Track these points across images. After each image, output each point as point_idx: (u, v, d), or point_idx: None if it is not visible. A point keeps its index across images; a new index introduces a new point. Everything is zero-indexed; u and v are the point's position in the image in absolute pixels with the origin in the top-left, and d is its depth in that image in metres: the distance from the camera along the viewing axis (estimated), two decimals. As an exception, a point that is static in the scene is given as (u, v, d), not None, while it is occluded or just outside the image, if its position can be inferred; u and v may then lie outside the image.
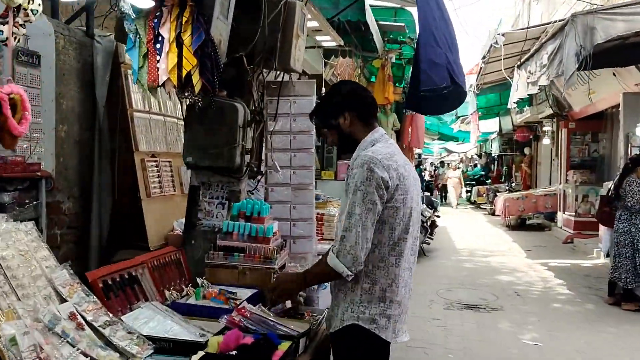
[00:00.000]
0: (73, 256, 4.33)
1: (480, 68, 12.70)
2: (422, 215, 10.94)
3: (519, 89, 9.48)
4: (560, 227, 14.23)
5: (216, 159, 3.32)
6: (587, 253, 11.41)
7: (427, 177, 31.98)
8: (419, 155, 31.31)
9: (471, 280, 8.98)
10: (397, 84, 14.88)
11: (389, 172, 2.54)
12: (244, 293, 3.01)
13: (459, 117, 21.17)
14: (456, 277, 9.24)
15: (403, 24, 10.08)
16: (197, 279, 3.06)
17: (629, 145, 9.42)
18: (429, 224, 11.09)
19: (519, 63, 9.80)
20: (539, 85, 8.22)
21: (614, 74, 9.79)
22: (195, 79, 2.88)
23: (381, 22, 9.48)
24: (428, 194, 11.53)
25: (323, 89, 9.06)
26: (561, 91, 14.02)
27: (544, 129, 16.60)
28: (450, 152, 33.00)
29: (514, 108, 17.56)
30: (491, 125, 22.68)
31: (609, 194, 7.65)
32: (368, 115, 2.80)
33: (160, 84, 2.88)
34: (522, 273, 9.69)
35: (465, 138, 25.05)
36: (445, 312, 7.12)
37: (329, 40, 7.32)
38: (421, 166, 31.85)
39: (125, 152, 4.48)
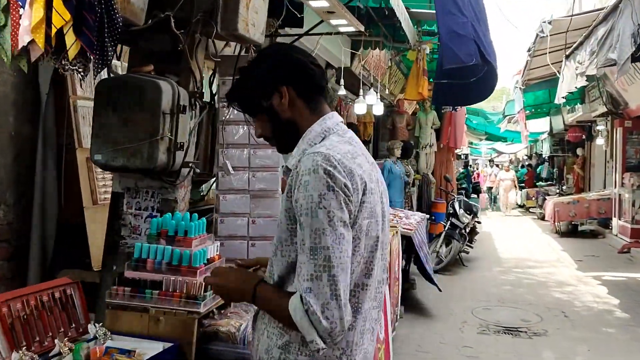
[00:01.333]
0: (5, 277, 3.49)
1: (526, 62, 11.36)
2: (460, 221, 9.78)
3: (567, 82, 8.17)
4: (616, 235, 12.66)
5: (132, 156, 2.35)
6: (647, 264, 9.96)
7: (482, 181, 30.47)
8: (466, 155, 29.83)
9: (513, 297, 7.74)
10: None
11: (352, 179, 1.58)
12: (154, 348, 2.05)
13: (505, 115, 19.67)
14: (496, 292, 8.01)
15: (439, 12, 8.92)
16: (90, 325, 2.11)
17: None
18: (467, 230, 9.86)
19: (567, 53, 8.48)
20: (587, 76, 6.94)
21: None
22: (70, 39, 1.92)
23: (413, 10, 8.36)
24: (464, 197, 10.18)
25: (361, 91, 8.00)
26: (615, 85, 12.54)
27: (598, 128, 15.00)
28: (499, 152, 31.22)
29: (563, 104, 16.07)
30: (541, 125, 21.06)
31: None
32: (315, 93, 1.78)
33: (20, 48, 1.94)
34: (572, 288, 8.36)
35: (514, 138, 23.41)
36: (479, 338, 5.95)
37: (345, 24, 6.27)
38: (469, 167, 30.33)
39: (72, 149, 3.61)
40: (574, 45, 8.01)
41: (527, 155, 28.65)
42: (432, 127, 12.79)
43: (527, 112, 15.81)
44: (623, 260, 10.62)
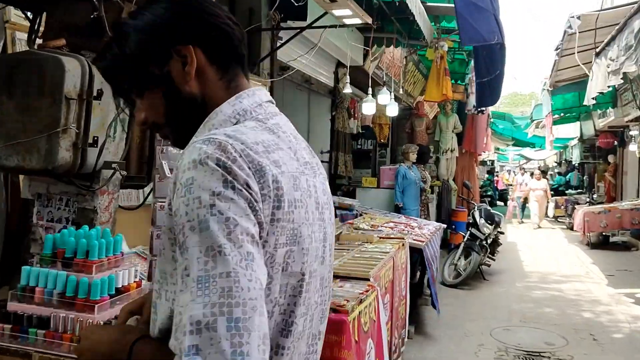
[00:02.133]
0: None
1: (554, 62, 10.64)
2: (481, 232, 9.09)
3: (598, 82, 7.46)
4: (653, 247, 11.81)
5: (27, 153, 1.82)
6: (687, 281, 9.12)
7: (500, 186, 29.40)
8: (492, 162, 28.91)
9: (536, 316, 7.04)
10: (459, 82, 13.03)
11: (261, 180, 1.01)
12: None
13: (533, 120, 18.85)
14: (518, 310, 7.32)
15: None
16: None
17: None
18: (489, 242, 9.16)
19: (597, 50, 7.77)
20: (623, 73, 6.25)
21: None
22: None
23: (429, 4, 7.76)
24: (485, 206, 9.48)
25: (370, 90, 7.46)
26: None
27: (631, 133, 14.09)
28: (528, 159, 30.20)
29: (593, 108, 15.20)
30: (571, 130, 20.11)
31: None
32: (233, 60, 1.23)
33: None
34: (603, 307, 7.61)
35: (542, 144, 22.48)
36: (495, 364, 5.31)
37: (349, 15, 5.71)
38: (494, 173, 29.39)
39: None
40: (605, 41, 7.30)
41: (556, 162, 27.62)
42: (453, 131, 12.12)
43: (556, 116, 15.01)
44: (659, 275, 9.80)
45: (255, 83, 5.76)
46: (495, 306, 7.45)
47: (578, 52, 10.27)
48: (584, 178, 21.00)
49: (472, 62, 11.41)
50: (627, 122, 14.05)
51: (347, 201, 7.80)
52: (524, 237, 14.93)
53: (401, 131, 12.59)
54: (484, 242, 9.01)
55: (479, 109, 11.64)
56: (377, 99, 7.66)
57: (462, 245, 8.66)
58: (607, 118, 15.52)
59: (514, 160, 32.43)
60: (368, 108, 7.03)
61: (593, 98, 7.77)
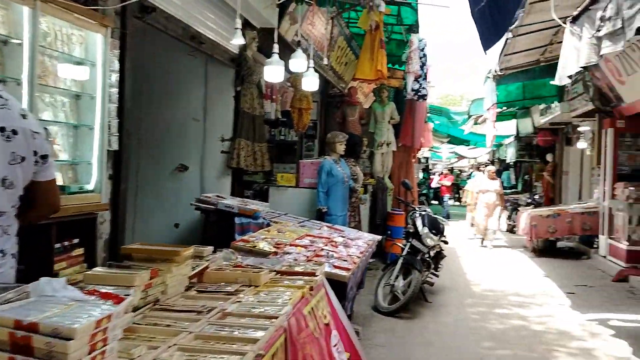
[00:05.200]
0: None
1: (505, 42, 8.75)
2: (423, 244, 7.07)
3: (580, 54, 5.45)
4: (604, 256, 10.18)
5: None
6: (658, 302, 7.44)
7: (434, 184, 27.87)
8: (426, 159, 27.39)
9: (499, 362, 5.06)
10: (396, 66, 11.01)
11: None
12: None
13: (470, 115, 17.23)
14: (473, 353, 5.32)
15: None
16: None
17: None
18: (432, 255, 7.16)
19: (574, 15, 5.76)
20: (633, 31, 4.24)
21: None
22: None
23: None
24: (428, 211, 7.42)
25: (276, 47, 5.22)
26: (608, 77, 10.08)
27: (580, 129, 12.55)
28: (461, 157, 28.89)
29: (538, 103, 13.61)
30: (507, 128, 18.67)
31: None
32: None
33: None
34: (577, 343, 5.71)
35: (477, 142, 21.03)
36: None
37: None
38: (429, 171, 27.90)
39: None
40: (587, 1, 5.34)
41: (489, 161, 26.39)
42: (389, 122, 10.10)
43: (498, 109, 13.29)
44: (623, 293, 8.07)
45: (86, 21, 3.40)
46: (443, 346, 5.41)
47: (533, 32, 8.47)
48: (525, 177, 19.58)
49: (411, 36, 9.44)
50: (573, 117, 12.50)
51: (252, 205, 5.55)
52: (461, 240, 13.12)
53: (331, 121, 10.45)
54: (427, 256, 7.00)
55: (418, 95, 9.67)
56: (289, 65, 5.43)
57: (400, 261, 6.59)
58: (550, 114, 14.03)
59: (447, 158, 31.11)
60: (272, 73, 4.80)
61: (569, 76, 5.81)
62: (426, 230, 6.84)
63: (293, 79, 7.78)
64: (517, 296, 7.75)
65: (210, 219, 5.26)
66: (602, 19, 4.75)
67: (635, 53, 8.01)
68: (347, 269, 3.95)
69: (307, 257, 3.99)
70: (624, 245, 9.28)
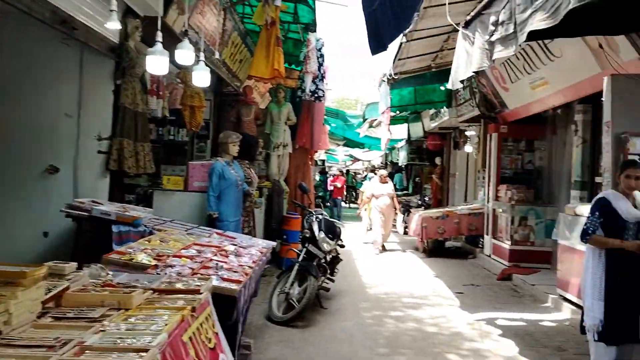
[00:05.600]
0: None
1: (400, 46, 8.81)
2: (320, 249, 6.86)
3: (473, 59, 5.50)
4: (489, 255, 10.63)
5: None
6: (538, 299, 7.78)
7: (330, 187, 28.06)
8: (323, 162, 27.56)
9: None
10: (293, 66, 10.79)
11: None
12: None
13: (366, 119, 17.46)
14: (368, 359, 5.18)
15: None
16: None
17: (623, 152, 5.73)
18: (328, 259, 6.98)
19: (467, 20, 5.83)
20: (525, 35, 4.28)
21: (600, 46, 6.10)
22: None
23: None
24: (324, 214, 7.26)
25: (159, 35, 4.74)
26: (493, 84, 10.53)
27: (467, 133, 13.07)
28: (356, 159, 29.37)
29: (429, 107, 14.03)
30: (399, 131, 19.16)
31: None
32: None
33: None
34: (468, 344, 5.75)
35: (372, 145, 21.42)
36: None
37: None
38: (326, 173, 28.04)
39: None
40: (481, 4, 5.39)
41: (382, 164, 27.05)
42: (286, 123, 9.85)
43: (392, 113, 13.50)
44: (507, 291, 8.40)
45: None
46: (341, 356, 5.22)
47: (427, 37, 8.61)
48: (416, 180, 20.18)
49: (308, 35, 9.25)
50: (461, 122, 13.01)
51: (133, 212, 5.01)
52: (356, 243, 13.18)
53: (225, 120, 9.99)
54: (323, 262, 6.80)
55: (315, 96, 9.50)
56: (175, 57, 4.96)
57: (296, 267, 6.34)
58: (441, 118, 14.53)
59: (343, 160, 31.57)
60: (155, 64, 4.30)
61: (462, 81, 5.86)
62: (323, 234, 6.64)
63: (183, 74, 7.27)
64: (410, 298, 7.79)
65: (83, 227, 4.66)
66: (494, 23, 4.77)
67: (519, 61, 8.38)
68: (238, 282, 3.59)
69: (193, 269, 3.59)
70: (506, 245, 9.71)
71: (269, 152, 9.77)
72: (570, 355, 5.47)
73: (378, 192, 11.96)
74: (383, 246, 12.05)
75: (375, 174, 14.32)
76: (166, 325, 2.24)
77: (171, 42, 5.60)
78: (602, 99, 6.04)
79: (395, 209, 12.28)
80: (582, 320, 4.22)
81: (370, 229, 12.84)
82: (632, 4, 4.90)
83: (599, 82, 6.48)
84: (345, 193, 27.81)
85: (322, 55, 9.73)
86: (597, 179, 7.69)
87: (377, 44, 5.86)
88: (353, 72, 44.74)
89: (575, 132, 7.99)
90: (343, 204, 26.50)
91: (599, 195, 4.35)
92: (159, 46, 4.35)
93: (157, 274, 3.25)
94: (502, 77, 9.59)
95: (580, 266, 6.61)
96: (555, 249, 8.44)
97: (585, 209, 6.58)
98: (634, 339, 4.06)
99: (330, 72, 12.02)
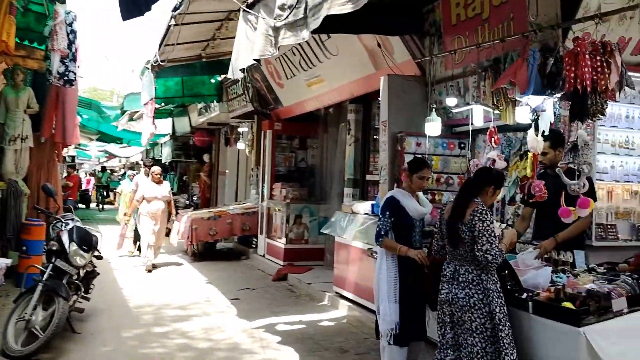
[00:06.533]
0: None
1: (168, 28, 7.99)
2: (71, 264, 5.70)
3: (255, 46, 5.05)
4: (263, 255, 10.49)
5: None
6: (315, 297, 7.80)
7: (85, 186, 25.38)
8: (73, 158, 24.85)
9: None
10: (35, 44, 9.09)
11: None
12: None
13: (125, 111, 16.01)
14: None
15: None
16: None
17: (399, 150, 5.95)
18: (82, 275, 5.90)
19: (249, 2, 5.38)
20: (319, 20, 3.97)
21: (379, 45, 6.26)
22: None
23: None
24: (76, 221, 6.13)
25: None
26: (268, 79, 10.39)
27: (240, 130, 12.80)
28: (112, 155, 27.11)
29: (197, 101, 13.39)
30: (163, 126, 18.10)
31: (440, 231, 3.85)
32: None
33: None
34: (250, 358, 5.36)
35: (131, 140, 19.87)
36: None
37: None
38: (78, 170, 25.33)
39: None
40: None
41: (142, 160, 25.49)
42: (26, 112, 8.26)
43: (157, 105, 12.52)
44: (284, 292, 8.29)
45: None
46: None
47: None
48: (184, 178, 19.26)
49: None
50: (232, 118, 12.69)
51: None
52: (113, 251, 11.86)
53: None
54: (76, 278, 5.71)
55: (64, 79, 8.12)
56: None
57: (40, 288, 5.15)
58: (209, 114, 14.01)
59: (96, 157, 28.89)
60: None
61: (242, 70, 5.39)
62: (75, 246, 5.54)
63: None
64: (179, 309, 7.10)
65: None
66: (281, 7, 4.42)
67: (295, 57, 8.31)
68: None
69: None
70: (281, 244, 9.66)
71: (3, 146, 8.07)
72: (352, 356, 5.45)
73: (150, 194, 9.70)
74: (154, 264, 9.80)
75: (142, 172, 12.10)
76: None
77: None
78: (379, 98, 6.20)
79: (171, 214, 10.24)
80: (377, 325, 4.13)
81: (134, 239, 11.08)
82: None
83: (373, 82, 6.69)
84: (95, 193, 25.41)
85: (73, 32, 8.34)
86: (368, 177, 8.04)
87: (133, 6, 5.06)
88: (108, 60, 41.29)
89: (348, 131, 8.23)
90: (93, 205, 24.21)
91: (389, 195, 4.32)
92: None
93: None
94: (277, 73, 9.48)
95: (356, 263, 6.78)
96: (329, 246, 8.63)
97: (362, 207, 6.76)
98: (420, 337, 4.10)
99: (82, 55, 10.53)
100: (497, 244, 3.42)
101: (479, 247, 3.37)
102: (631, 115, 4.56)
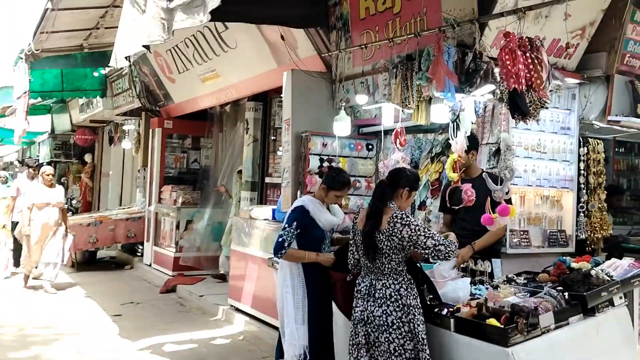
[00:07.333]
0: None
1: (44, 14, 7.03)
2: None
3: (143, 31, 4.36)
4: (149, 265, 9.61)
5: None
6: (207, 311, 7.14)
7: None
8: None
9: None
10: None
11: None
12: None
13: (-4, 106, 14.30)
14: None
15: None
16: None
17: (304, 151, 5.50)
18: None
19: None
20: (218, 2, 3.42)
21: (282, 37, 5.79)
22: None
23: None
24: None
25: None
26: (158, 73, 9.54)
27: (125, 128, 11.79)
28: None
29: (79, 96, 12.18)
30: (41, 123, 16.48)
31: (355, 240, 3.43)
32: None
33: None
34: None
35: (3, 138, 17.91)
36: None
37: None
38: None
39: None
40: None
41: (18, 160, 23.16)
42: None
43: (32, 100, 11.20)
44: (173, 306, 7.55)
45: None
46: None
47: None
48: (62, 180, 17.57)
49: None
50: (117, 115, 11.66)
51: None
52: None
53: None
54: None
55: None
56: None
57: None
58: (91, 110, 12.83)
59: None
60: None
61: (127, 58, 4.68)
62: None
63: None
64: (48, 329, 6.15)
65: None
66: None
67: (189, 49, 7.65)
68: None
69: None
70: (170, 252, 8.90)
71: None
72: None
73: (41, 199, 7.97)
74: (27, 276, 8.31)
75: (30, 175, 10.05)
76: None
77: None
78: (282, 96, 5.73)
79: (63, 225, 8.27)
80: (280, 348, 3.63)
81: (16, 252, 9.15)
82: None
83: (274, 78, 6.22)
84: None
85: None
86: (268, 180, 7.55)
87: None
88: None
89: (246, 131, 7.68)
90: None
91: (298, 204, 3.85)
92: None
93: None
94: (168, 66, 8.72)
95: (254, 273, 6.24)
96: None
97: (261, 212, 6.23)
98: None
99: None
100: (437, 235, 3.11)
101: (423, 247, 3.04)
102: (542, 118, 4.47)
